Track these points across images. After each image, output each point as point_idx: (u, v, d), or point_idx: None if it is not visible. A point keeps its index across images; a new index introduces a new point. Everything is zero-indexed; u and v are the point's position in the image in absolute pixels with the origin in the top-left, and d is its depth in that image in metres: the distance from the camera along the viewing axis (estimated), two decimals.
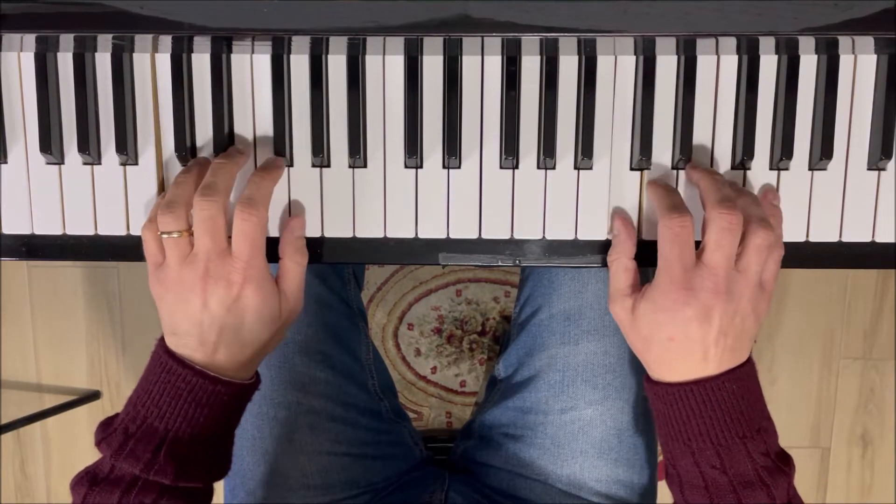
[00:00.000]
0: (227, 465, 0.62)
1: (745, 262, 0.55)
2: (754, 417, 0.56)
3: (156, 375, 0.57)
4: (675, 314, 0.55)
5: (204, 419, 0.57)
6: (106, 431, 0.57)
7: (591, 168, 0.62)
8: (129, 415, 0.57)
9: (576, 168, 0.62)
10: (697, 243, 0.56)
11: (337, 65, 0.61)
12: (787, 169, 0.61)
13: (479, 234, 0.62)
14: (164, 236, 0.57)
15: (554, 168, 0.62)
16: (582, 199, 0.62)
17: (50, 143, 0.62)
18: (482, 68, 0.61)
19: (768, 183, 0.62)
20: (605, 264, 0.62)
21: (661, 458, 0.66)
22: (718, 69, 0.61)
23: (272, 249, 0.61)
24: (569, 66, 0.61)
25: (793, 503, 0.56)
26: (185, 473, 0.56)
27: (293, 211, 0.62)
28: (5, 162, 0.63)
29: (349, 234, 0.63)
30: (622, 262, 0.59)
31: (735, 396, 0.55)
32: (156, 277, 0.58)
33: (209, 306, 0.56)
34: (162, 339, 0.59)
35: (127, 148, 0.61)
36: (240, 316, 0.57)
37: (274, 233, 0.62)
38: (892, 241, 0.62)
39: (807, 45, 0.59)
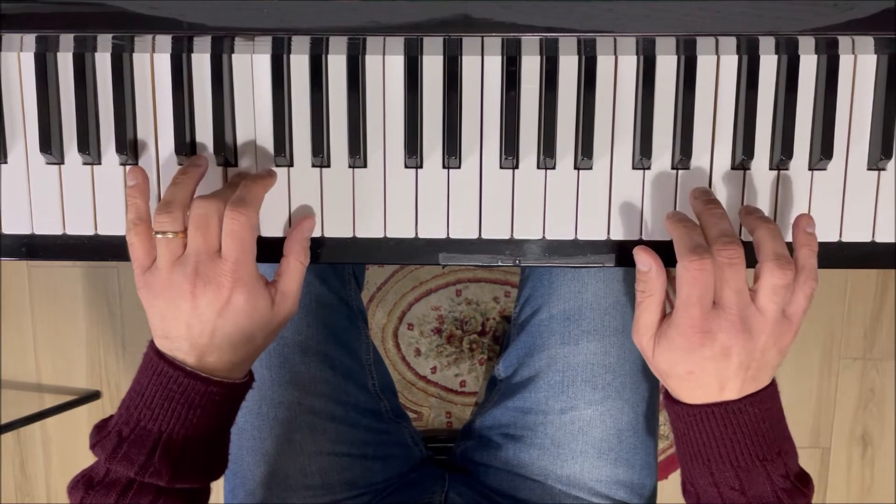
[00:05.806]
0: (223, 465, 0.62)
1: (762, 303, 0.54)
2: (775, 440, 0.55)
3: (147, 378, 0.57)
4: (692, 354, 0.54)
5: (197, 420, 0.57)
6: (100, 434, 0.57)
7: (591, 168, 0.62)
8: (122, 417, 0.57)
9: (576, 168, 0.62)
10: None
11: (337, 65, 0.61)
12: (786, 169, 0.61)
13: (479, 234, 0.62)
14: (159, 236, 0.56)
15: (554, 168, 0.62)
16: (582, 199, 0.62)
17: (50, 143, 0.61)
18: (482, 68, 0.61)
19: (805, 213, 0.59)
20: (605, 264, 0.62)
21: (661, 458, 0.66)
22: (718, 69, 0.61)
23: (267, 250, 0.61)
24: (569, 66, 0.61)
25: None
26: (180, 475, 0.56)
27: (302, 213, 0.62)
28: (5, 162, 0.63)
29: (349, 234, 0.63)
30: (657, 299, 0.57)
31: (756, 420, 0.55)
32: (144, 281, 0.57)
33: (199, 310, 0.56)
34: (152, 342, 0.58)
35: (127, 148, 0.61)
36: (231, 319, 0.57)
37: (275, 233, 0.62)
38: (892, 241, 0.62)
39: (807, 45, 0.59)
